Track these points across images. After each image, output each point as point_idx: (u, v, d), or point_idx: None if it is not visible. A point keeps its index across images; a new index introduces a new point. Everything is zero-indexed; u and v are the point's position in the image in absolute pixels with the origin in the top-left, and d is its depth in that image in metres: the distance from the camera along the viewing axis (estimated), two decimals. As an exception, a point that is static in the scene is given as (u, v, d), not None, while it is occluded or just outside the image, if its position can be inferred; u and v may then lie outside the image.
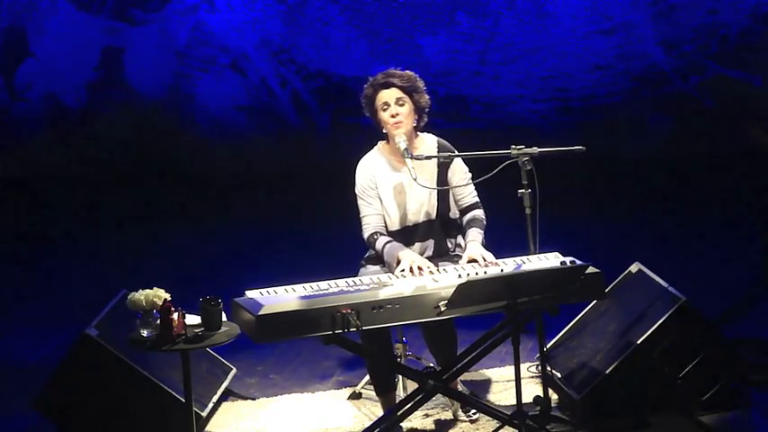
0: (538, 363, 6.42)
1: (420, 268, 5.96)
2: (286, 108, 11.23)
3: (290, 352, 7.29)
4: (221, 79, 11.24)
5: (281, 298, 5.67)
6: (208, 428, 6.41)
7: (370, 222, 6.24)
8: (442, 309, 5.65)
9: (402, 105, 6.19)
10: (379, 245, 6.16)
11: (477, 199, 6.34)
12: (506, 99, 11.09)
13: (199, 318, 5.71)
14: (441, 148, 6.30)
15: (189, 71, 11.22)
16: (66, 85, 11.29)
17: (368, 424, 6.10)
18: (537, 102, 11.10)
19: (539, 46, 11.04)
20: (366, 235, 6.24)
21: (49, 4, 11.20)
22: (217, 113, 11.29)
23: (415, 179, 6.08)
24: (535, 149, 5.97)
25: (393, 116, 6.16)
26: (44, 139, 11.33)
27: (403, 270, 5.97)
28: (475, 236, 6.21)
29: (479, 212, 6.32)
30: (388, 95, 6.19)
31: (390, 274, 5.99)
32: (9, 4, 11.19)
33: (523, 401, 5.83)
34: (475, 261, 6.05)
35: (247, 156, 11.33)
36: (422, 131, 6.34)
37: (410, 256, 6.06)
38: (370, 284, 5.83)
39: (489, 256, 6.07)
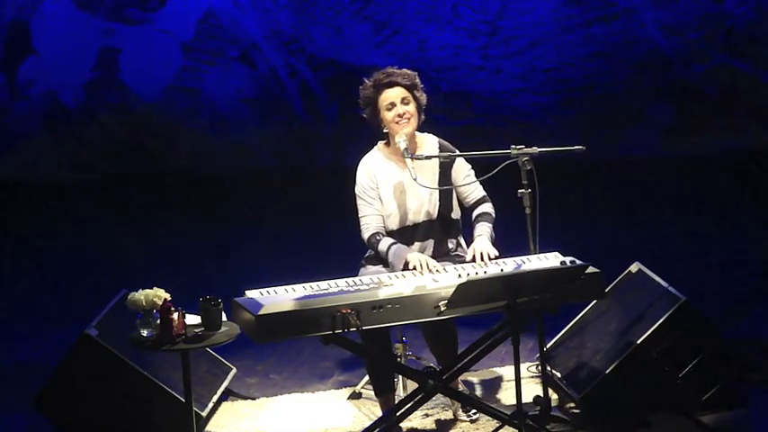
0: (538, 363, 6.42)
1: (428, 267, 5.97)
2: (294, 100, 11.22)
3: (290, 352, 7.29)
4: (229, 72, 11.24)
5: (281, 298, 5.67)
6: (208, 428, 6.41)
7: (371, 223, 6.23)
8: (442, 309, 5.65)
9: (408, 104, 6.19)
10: (382, 246, 6.16)
11: (483, 193, 6.34)
12: (508, 93, 11.10)
13: (199, 318, 5.71)
14: (442, 149, 6.29)
15: (195, 65, 11.21)
16: (66, 83, 11.28)
17: (368, 424, 6.10)
18: (538, 94, 11.10)
19: (541, 38, 11.04)
20: (366, 235, 6.23)
21: (51, 1, 11.19)
22: (222, 107, 11.28)
23: (414, 179, 6.07)
24: (535, 149, 5.96)
25: (400, 115, 6.16)
26: (42, 139, 11.33)
27: (414, 268, 5.97)
28: (483, 230, 6.20)
29: (488, 206, 6.31)
30: (393, 95, 6.19)
31: (390, 275, 5.98)
32: (13, -1, 11.22)
33: (523, 401, 5.83)
34: (480, 255, 6.05)
35: (249, 153, 11.33)
36: (421, 130, 6.34)
37: (419, 256, 6.06)
38: (370, 284, 5.83)
39: (493, 252, 6.06)
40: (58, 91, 11.29)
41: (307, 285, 5.81)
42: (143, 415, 6.16)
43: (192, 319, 5.72)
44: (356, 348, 5.89)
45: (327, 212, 9.42)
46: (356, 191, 6.29)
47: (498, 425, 5.99)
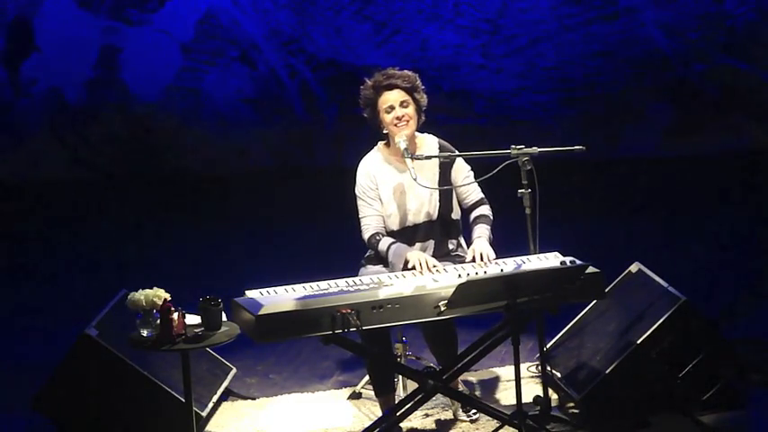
0: (538, 363, 6.42)
1: (428, 266, 5.97)
2: (294, 100, 11.22)
3: (290, 352, 7.29)
4: (229, 72, 11.24)
5: (280, 298, 5.67)
6: (208, 428, 6.41)
7: (371, 223, 6.23)
8: (442, 309, 5.64)
9: (407, 107, 6.19)
10: (383, 246, 6.16)
11: (481, 195, 6.34)
12: (509, 93, 11.09)
13: (199, 318, 5.71)
14: (442, 150, 6.29)
15: (195, 65, 11.21)
16: (68, 81, 11.28)
17: (368, 424, 6.10)
18: (539, 93, 11.10)
19: (541, 37, 11.04)
20: (367, 236, 6.23)
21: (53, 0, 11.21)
22: (222, 108, 11.29)
23: (414, 179, 6.07)
24: (535, 149, 5.95)
25: (399, 118, 6.16)
26: (44, 137, 11.33)
27: (414, 267, 5.97)
28: (481, 232, 6.21)
29: (486, 208, 6.32)
30: (393, 97, 6.18)
31: (390, 274, 5.98)
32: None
33: (523, 401, 5.83)
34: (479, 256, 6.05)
35: (249, 153, 11.34)
36: (422, 131, 6.34)
37: (418, 254, 6.06)
38: (370, 284, 5.83)
39: (492, 255, 6.06)
40: (61, 89, 11.29)
41: (307, 285, 5.81)
42: (143, 415, 6.16)
43: (192, 319, 5.72)
44: (356, 348, 5.89)
45: (327, 212, 9.42)
46: (356, 191, 6.29)
47: (498, 425, 5.98)
